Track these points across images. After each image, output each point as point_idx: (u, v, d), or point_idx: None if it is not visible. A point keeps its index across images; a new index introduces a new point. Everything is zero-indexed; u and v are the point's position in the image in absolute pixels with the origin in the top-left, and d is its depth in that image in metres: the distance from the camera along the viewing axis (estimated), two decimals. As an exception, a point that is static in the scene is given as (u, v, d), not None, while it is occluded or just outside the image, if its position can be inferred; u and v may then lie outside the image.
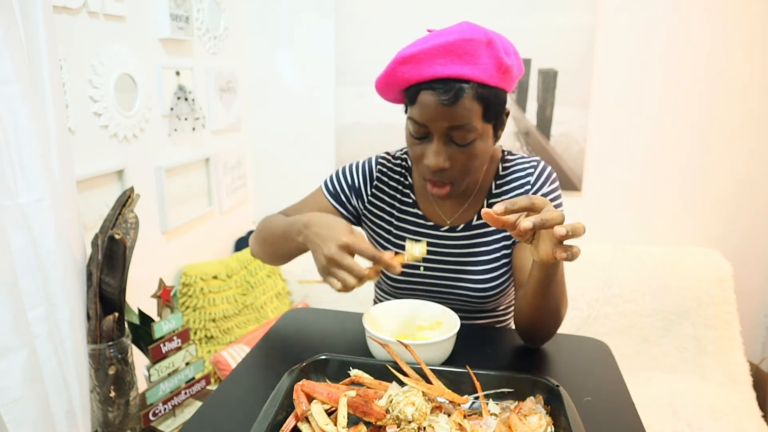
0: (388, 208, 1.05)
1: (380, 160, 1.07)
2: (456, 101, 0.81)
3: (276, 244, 0.99)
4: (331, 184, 1.08)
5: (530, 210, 0.69)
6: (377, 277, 0.81)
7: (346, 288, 0.78)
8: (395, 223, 1.04)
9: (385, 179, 1.06)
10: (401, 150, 1.09)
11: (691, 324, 1.86)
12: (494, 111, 0.85)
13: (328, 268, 0.79)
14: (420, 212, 1.03)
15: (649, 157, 1.99)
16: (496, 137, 0.92)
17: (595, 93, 1.96)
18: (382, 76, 0.89)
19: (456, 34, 0.80)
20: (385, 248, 1.05)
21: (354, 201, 1.07)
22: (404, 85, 0.86)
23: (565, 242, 0.68)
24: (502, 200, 0.96)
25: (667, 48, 1.89)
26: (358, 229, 0.95)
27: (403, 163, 1.07)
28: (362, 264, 0.79)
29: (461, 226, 1.01)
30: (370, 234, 1.09)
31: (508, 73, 0.84)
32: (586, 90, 1.95)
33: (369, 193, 1.06)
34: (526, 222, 0.67)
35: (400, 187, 1.05)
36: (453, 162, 0.87)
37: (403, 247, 1.03)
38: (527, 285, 0.88)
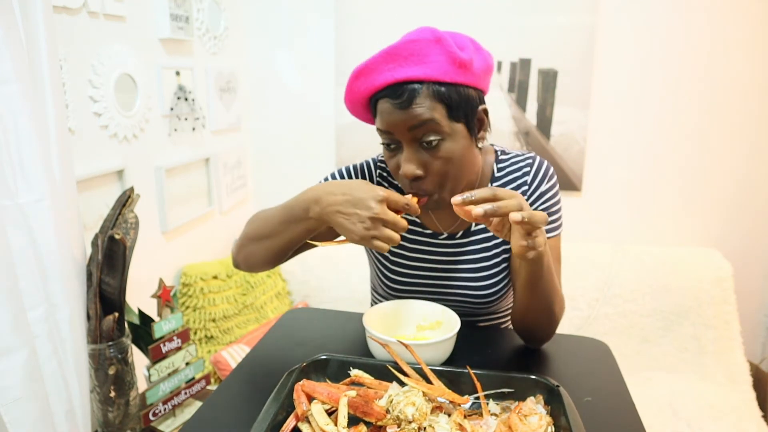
0: None
1: (380, 164, 1.03)
2: (410, 104, 0.79)
3: (275, 236, 0.91)
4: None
5: (492, 201, 0.70)
6: None
7: (392, 244, 0.78)
8: None
9: (385, 185, 1.02)
10: None
11: (691, 324, 1.86)
12: (461, 109, 0.82)
13: (372, 231, 0.77)
14: (418, 220, 1.01)
15: (649, 157, 1.99)
16: (477, 139, 0.88)
17: (595, 93, 1.96)
18: (345, 96, 0.88)
19: (403, 38, 0.80)
20: (386, 261, 1.03)
21: None
22: (363, 100, 0.85)
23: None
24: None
25: (667, 48, 1.89)
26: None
27: None
28: None
29: (460, 233, 0.99)
30: (370, 249, 1.08)
31: (465, 68, 0.80)
32: (586, 90, 1.95)
33: None
34: (477, 209, 0.68)
35: None
36: (427, 169, 0.83)
37: (398, 255, 1.02)
38: (516, 283, 0.88)
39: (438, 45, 0.78)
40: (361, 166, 1.04)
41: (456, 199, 0.70)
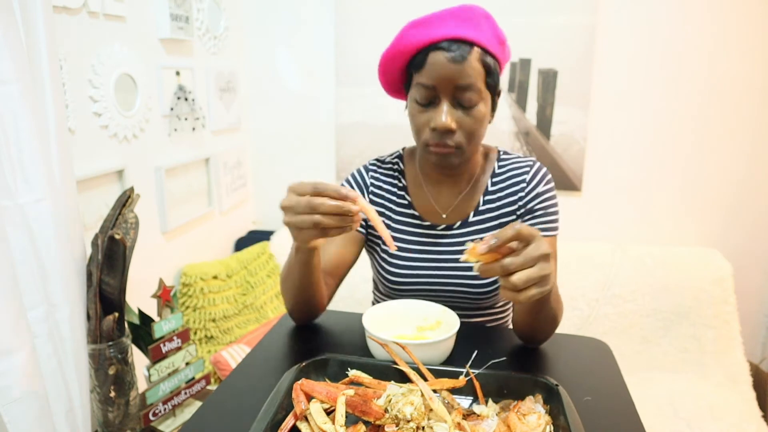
0: (385, 212, 1.05)
1: (370, 167, 1.07)
2: (464, 59, 0.84)
3: (293, 280, 0.91)
4: None
5: (517, 240, 0.65)
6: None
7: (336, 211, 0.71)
8: (393, 226, 1.04)
9: (379, 184, 1.06)
10: (391, 155, 1.09)
11: (691, 324, 1.86)
12: (494, 79, 0.89)
13: (297, 209, 0.73)
14: (416, 213, 1.03)
15: (648, 157, 1.99)
16: (492, 114, 0.94)
17: (595, 93, 1.96)
18: (392, 45, 0.91)
19: (459, 5, 0.88)
20: (386, 255, 1.04)
21: None
22: (414, 48, 0.88)
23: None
24: (498, 197, 0.99)
25: (667, 48, 1.89)
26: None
27: (396, 166, 1.07)
28: None
29: (458, 223, 1.01)
30: (369, 245, 1.09)
31: (503, 46, 0.90)
32: (586, 90, 1.95)
33: (367, 200, 1.05)
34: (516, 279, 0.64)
35: (395, 190, 1.05)
36: (459, 125, 0.88)
37: (401, 249, 1.03)
38: (519, 306, 0.88)
39: (486, 20, 0.88)
40: (353, 175, 1.08)
41: (481, 249, 0.65)
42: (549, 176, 1.01)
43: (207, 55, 1.89)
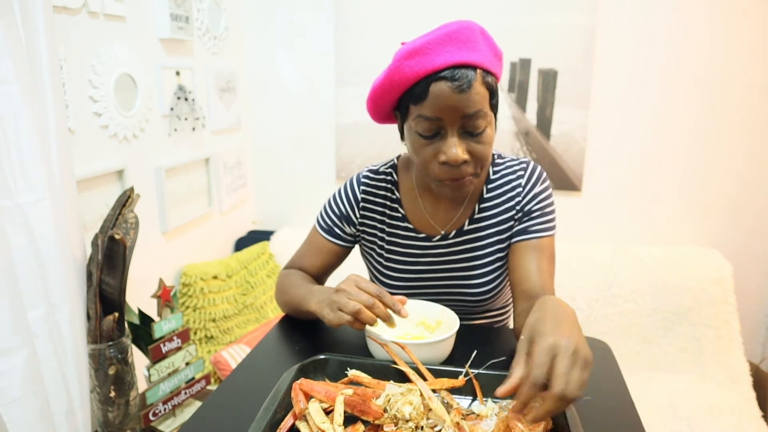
0: (379, 225, 1.03)
1: (362, 179, 1.04)
2: (469, 87, 0.80)
3: (296, 308, 0.99)
4: (323, 221, 1.06)
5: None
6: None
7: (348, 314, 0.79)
8: (387, 238, 1.03)
9: (371, 198, 1.03)
10: (385, 164, 1.06)
11: (691, 324, 1.86)
12: (495, 99, 0.86)
13: (335, 302, 0.82)
14: (410, 226, 1.01)
15: (649, 157, 1.99)
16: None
17: (595, 93, 1.96)
18: (385, 77, 0.85)
19: (453, 25, 0.81)
20: (379, 266, 1.04)
21: (348, 229, 1.05)
22: (413, 80, 0.82)
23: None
24: (494, 204, 0.98)
25: (667, 48, 1.89)
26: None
27: (389, 178, 1.03)
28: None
29: (453, 233, 1.00)
30: (365, 254, 1.09)
31: (500, 60, 0.87)
32: (586, 90, 1.95)
33: (358, 216, 1.04)
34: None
35: (388, 203, 1.03)
36: (470, 154, 0.85)
37: (395, 261, 1.02)
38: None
39: (482, 36, 0.84)
40: (346, 189, 1.05)
41: (515, 407, 0.62)
42: (544, 175, 0.99)
43: (207, 55, 1.89)
